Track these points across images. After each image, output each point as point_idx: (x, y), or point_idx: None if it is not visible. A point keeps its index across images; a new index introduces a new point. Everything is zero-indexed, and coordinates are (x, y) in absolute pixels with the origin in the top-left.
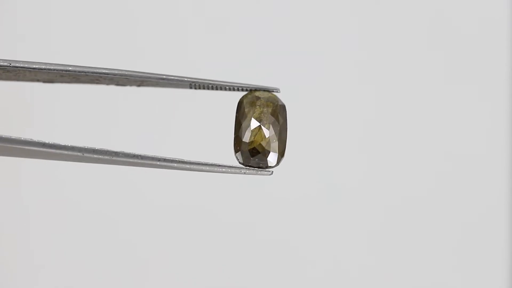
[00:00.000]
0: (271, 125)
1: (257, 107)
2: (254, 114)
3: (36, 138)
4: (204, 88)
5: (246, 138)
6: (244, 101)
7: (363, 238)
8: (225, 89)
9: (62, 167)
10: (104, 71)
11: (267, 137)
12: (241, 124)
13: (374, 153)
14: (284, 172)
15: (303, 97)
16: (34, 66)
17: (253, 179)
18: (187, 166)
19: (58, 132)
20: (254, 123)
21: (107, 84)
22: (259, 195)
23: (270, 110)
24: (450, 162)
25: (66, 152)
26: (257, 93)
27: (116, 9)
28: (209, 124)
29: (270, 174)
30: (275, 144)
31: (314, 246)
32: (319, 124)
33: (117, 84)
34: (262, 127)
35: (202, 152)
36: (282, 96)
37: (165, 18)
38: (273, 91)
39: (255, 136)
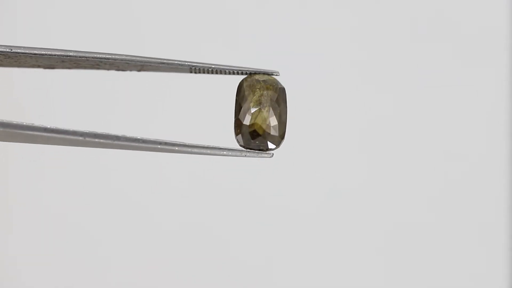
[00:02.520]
0: (271, 108)
1: (257, 89)
2: (254, 97)
3: (37, 122)
4: (204, 72)
5: (247, 120)
6: (244, 84)
7: (362, 238)
8: (225, 73)
9: (61, 169)
10: (104, 56)
11: (267, 119)
12: (241, 107)
13: (374, 153)
14: (284, 174)
15: (304, 97)
16: (35, 52)
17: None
18: (189, 149)
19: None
20: (254, 106)
21: (108, 69)
22: (258, 197)
23: (270, 92)
24: (451, 162)
25: (67, 136)
26: (256, 76)
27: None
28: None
29: (270, 157)
30: (275, 126)
31: (314, 248)
32: (320, 125)
33: (118, 69)
34: (262, 109)
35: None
36: (281, 79)
37: (166, 15)
38: (272, 74)
39: (255, 118)
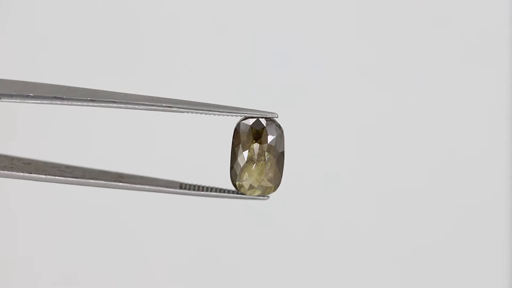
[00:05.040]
0: (266, 163)
1: (253, 141)
2: (249, 152)
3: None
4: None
5: (241, 174)
6: (240, 132)
7: (361, 238)
8: (221, 115)
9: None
10: (91, 101)
11: (261, 174)
12: (237, 158)
13: (373, 152)
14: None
15: (304, 96)
16: (30, 94)
17: None
18: (186, 191)
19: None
20: (249, 158)
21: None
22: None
23: (265, 146)
24: (451, 162)
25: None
26: (253, 123)
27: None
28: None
29: (266, 199)
30: (270, 179)
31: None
32: (319, 124)
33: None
34: (257, 162)
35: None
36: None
37: (164, 14)
38: (270, 118)
39: (250, 172)
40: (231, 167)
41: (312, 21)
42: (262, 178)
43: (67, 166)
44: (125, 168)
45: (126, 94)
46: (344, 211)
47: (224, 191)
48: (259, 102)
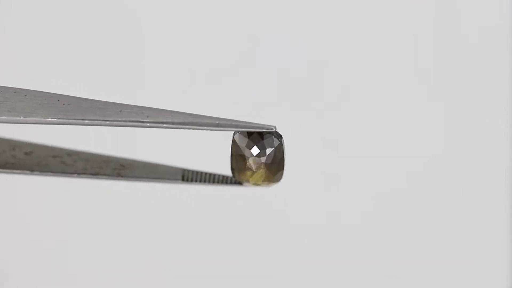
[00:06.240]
0: (265, 170)
1: (252, 155)
2: (248, 163)
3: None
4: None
5: (243, 176)
6: (238, 143)
7: (361, 238)
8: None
9: None
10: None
11: (262, 176)
12: (237, 165)
13: (371, 152)
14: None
15: (303, 94)
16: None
17: None
18: (189, 182)
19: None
20: (248, 169)
21: None
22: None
23: (264, 158)
24: (451, 162)
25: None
26: (251, 138)
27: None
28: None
29: (269, 187)
30: (272, 180)
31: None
32: (319, 124)
33: None
34: (257, 170)
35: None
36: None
37: (167, 15)
38: (268, 130)
39: (251, 176)
40: (232, 168)
41: (313, 22)
42: (262, 181)
43: (69, 154)
44: (126, 154)
45: (121, 110)
46: (344, 210)
47: (226, 179)
48: (260, 102)
